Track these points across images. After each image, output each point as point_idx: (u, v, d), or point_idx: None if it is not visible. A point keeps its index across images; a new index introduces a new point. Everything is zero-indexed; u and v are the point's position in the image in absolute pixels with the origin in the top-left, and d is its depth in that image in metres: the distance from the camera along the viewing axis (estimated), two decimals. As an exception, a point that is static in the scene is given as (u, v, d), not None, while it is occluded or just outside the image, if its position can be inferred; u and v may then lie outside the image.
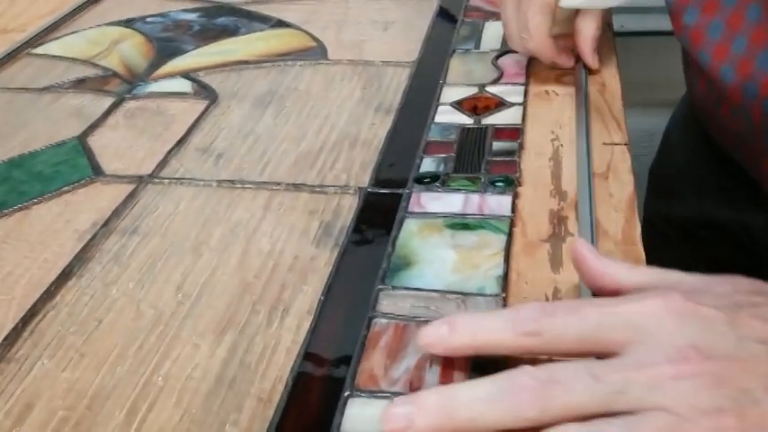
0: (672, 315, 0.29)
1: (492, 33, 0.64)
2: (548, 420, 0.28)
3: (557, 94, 0.55)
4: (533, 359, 0.32)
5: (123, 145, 0.53)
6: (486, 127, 0.51)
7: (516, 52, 0.59)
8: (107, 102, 0.59)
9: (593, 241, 0.40)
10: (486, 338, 0.32)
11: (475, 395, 0.29)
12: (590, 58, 0.56)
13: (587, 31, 0.55)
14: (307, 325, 0.37)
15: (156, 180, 0.49)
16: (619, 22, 0.76)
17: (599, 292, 0.35)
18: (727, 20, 0.46)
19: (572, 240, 0.35)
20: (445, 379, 0.33)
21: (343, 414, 0.32)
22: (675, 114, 0.70)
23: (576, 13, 0.56)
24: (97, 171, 0.50)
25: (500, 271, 0.39)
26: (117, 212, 0.46)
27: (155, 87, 0.60)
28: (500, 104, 0.54)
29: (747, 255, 0.59)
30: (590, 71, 0.57)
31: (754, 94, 0.46)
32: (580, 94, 0.54)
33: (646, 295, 0.31)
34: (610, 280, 0.34)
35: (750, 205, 0.57)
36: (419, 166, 0.48)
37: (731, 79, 0.47)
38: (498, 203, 0.44)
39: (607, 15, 0.62)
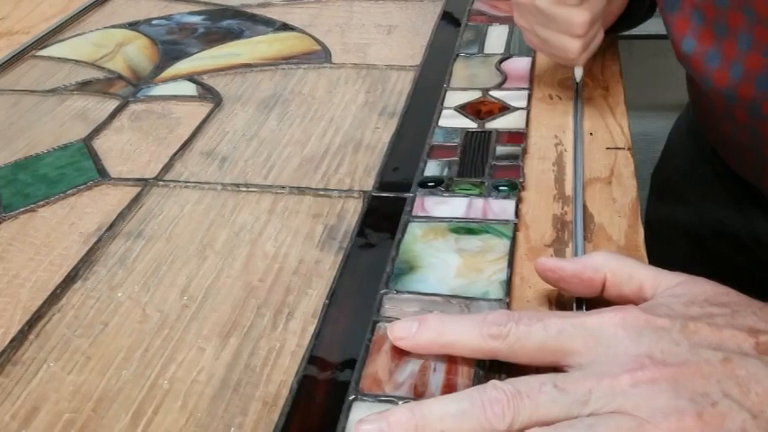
0: (628, 327, 0.31)
1: (496, 38, 0.64)
2: (516, 430, 0.29)
3: (560, 99, 0.55)
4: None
5: (128, 148, 0.53)
6: (491, 131, 0.51)
7: (520, 56, 0.59)
8: (112, 104, 0.59)
9: (581, 249, 0.41)
10: (453, 338, 0.34)
11: (446, 410, 0.30)
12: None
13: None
14: (311, 328, 0.37)
15: (161, 183, 0.49)
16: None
17: (584, 288, 0.36)
18: (723, 49, 0.46)
19: (539, 262, 0.37)
20: (449, 383, 0.34)
21: (347, 418, 0.32)
22: (680, 118, 0.70)
23: None
24: (102, 174, 0.51)
25: (504, 275, 0.39)
26: (122, 215, 0.46)
27: (159, 90, 0.61)
28: (504, 109, 0.54)
29: (750, 258, 0.59)
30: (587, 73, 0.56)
31: (759, 113, 0.47)
32: (577, 100, 0.54)
33: (606, 309, 0.33)
34: (594, 272, 0.35)
35: (754, 209, 0.57)
36: (423, 170, 0.48)
37: (735, 101, 0.47)
38: (502, 208, 0.44)
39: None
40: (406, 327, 0.35)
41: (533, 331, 0.32)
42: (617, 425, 0.28)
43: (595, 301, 0.36)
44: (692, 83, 0.58)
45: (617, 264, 0.35)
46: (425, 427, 0.30)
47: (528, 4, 0.51)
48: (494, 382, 0.31)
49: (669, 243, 0.66)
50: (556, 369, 0.32)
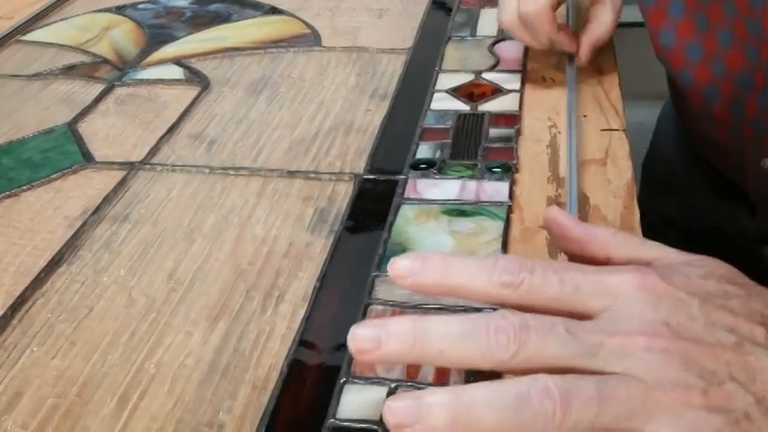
0: (648, 291, 0.30)
1: (487, 20, 0.63)
2: (515, 366, 0.28)
3: (554, 81, 0.54)
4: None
5: (114, 131, 0.52)
6: (483, 113, 0.50)
7: (513, 39, 0.58)
8: (97, 88, 0.58)
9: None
10: (459, 281, 0.30)
11: (448, 329, 0.28)
12: (587, 48, 0.53)
13: (606, 17, 0.53)
14: (302, 312, 0.37)
15: (148, 167, 0.48)
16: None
17: (582, 259, 0.34)
18: (704, 42, 0.45)
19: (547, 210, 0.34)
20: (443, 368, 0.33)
21: (339, 400, 0.32)
22: (665, 107, 0.69)
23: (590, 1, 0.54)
24: (87, 158, 0.50)
25: (498, 257, 0.38)
26: (108, 199, 0.45)
27: (146, 74, 0.60)
28: (497, 91, 0.53)
29: (738, 250, 0.58)
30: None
31: (741, 113, 0.46)
32: (570, 82, 0.53)
33: (626, 269, 0.31)
34: (598, 249, 0.33)
35: (735, 202, 0.57)
36: (415, 153, 0.47)
37: (717, 99, 0.46)
38: (496, 190, 0.43)
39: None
40: (408, 264, 0.30)
41: (548, 283, 0.29)
42: (627, 383, 0.27)
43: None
44: (674, 84, 0.56)
45: (622, 243, 0.33)
46: (425, 341, 0.28)
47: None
48: (503, 312, 0.28)
49: (658, 236, 0.65)
50: None
